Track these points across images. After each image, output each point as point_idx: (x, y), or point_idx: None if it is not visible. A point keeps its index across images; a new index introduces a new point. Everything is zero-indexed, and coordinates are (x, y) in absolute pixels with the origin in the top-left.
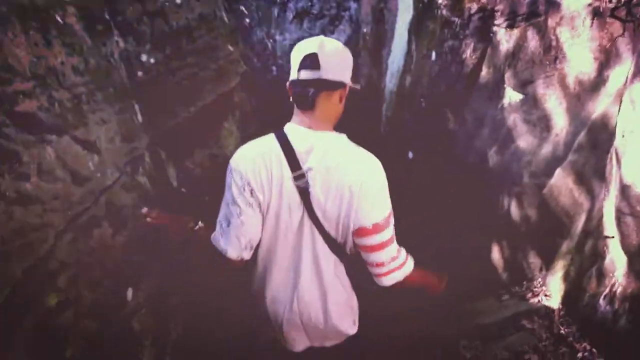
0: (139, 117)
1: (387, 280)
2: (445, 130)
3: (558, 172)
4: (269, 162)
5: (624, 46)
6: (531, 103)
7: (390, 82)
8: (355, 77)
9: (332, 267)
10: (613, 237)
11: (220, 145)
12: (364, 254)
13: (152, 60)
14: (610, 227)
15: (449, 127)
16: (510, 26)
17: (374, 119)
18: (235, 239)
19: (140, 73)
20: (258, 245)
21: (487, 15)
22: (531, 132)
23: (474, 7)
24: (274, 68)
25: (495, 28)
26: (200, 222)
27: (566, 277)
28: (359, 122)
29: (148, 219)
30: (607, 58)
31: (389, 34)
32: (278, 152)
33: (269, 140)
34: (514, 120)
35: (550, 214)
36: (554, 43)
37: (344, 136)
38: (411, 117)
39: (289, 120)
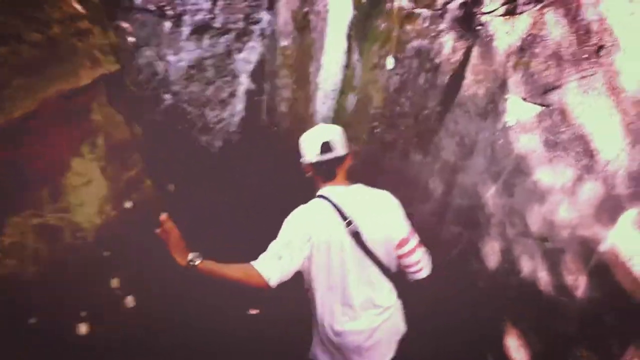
0: None
1: (426, 271)
2: (413, 163)
3: (622, 222)
4: (327, 218)
5: None
6: (557, 118)
7: (323, 105)
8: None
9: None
10: None
11: (61, 207)
12: (406, 259)
13: None
14: None
15: (417, 160)
16: (510, 12)
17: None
18: (280, 272)
19: None
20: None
21: (470, 2)
22: (561, 160)
23: None
24: (167, 96)
25: (484, 18)
26: (197, 260)
27: None
28: (281, 160)
29: (158, 230)
30: None
31: (318, 45)
32: (330, 209)
33: (319, 202)
34: (528, 144)
35: (612, 288)
36: (595, 26)
37: (360, 185)
38: (361, 148)
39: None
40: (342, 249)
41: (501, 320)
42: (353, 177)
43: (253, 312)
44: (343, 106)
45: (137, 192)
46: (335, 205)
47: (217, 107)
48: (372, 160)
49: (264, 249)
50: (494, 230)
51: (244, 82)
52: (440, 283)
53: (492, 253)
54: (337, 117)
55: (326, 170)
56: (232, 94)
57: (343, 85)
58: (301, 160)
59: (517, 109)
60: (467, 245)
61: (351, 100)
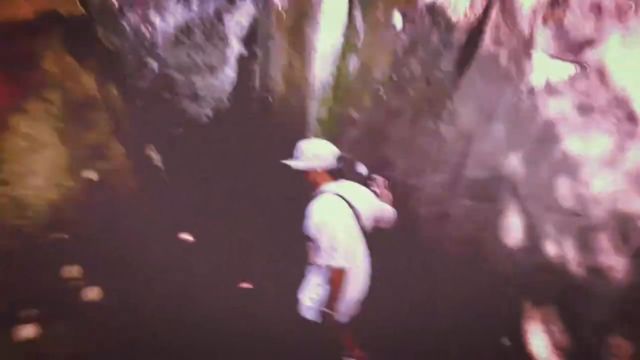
0: None
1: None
2: (423, 131)
3: None
4: (342, 206)
5: None
6: (594, 78)
7: (323, 70)
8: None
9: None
10: None
11: None
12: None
13: None
14: None
15: (427, 127)
16: None
17: (297, 125)
18: (345, 258)
19: None
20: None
21: None
22: (597, 126)
23: None
24: (152, 62)
25: None
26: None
27: None
28: (275, 131)
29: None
30: None
31: (316, 4)
32: (339, 199)
33: (332, 196)
34: (558, 109)
35: None
36: None
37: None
38: (363, 116)
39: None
40: (353, 226)
41: (520, 303)
42: (355, 147)
43: (245, 285)
44: (344, 70)
45: (103, 160)
46: (341, 196)
47: (206, 74)
48: (376, 128)
49: (254, 222)
50: (515, 205)
51: (235, 47)
52: (451, 261)
53: (512, 230)
54: (338, 82)
55: (339, 173)
56: (223, 60)
57: (344, 47)
58: (314, 167)
59: (546, 69)
60: (483, 221)
61: (353, 63)
